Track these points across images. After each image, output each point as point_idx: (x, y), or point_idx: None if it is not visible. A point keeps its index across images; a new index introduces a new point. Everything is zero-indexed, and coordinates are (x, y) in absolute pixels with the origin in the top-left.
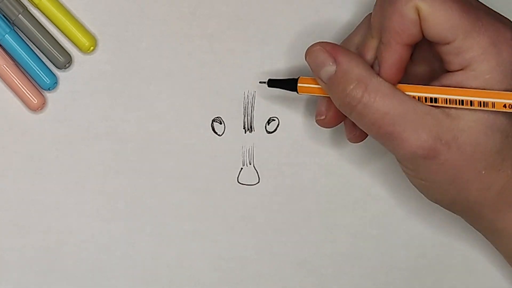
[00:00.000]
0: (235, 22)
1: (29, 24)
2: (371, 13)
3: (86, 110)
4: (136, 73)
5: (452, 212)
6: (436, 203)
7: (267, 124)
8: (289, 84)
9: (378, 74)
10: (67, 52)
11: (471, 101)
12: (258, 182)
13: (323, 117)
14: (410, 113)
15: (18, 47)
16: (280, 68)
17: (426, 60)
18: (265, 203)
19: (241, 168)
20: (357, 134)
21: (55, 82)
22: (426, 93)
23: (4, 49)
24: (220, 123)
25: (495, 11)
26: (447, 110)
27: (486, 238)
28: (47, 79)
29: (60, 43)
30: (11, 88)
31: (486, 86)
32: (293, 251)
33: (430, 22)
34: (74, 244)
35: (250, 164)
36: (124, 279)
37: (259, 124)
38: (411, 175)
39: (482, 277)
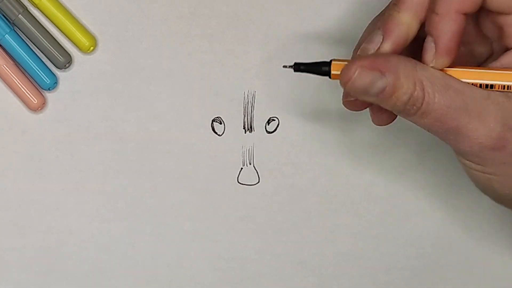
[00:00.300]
0: (235, 22)
1: (29, 24)
2: (377, 16)
3: (86, 110)
4: (136, 73)
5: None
6: (500, 201)
7: (267, 124)
8: (319, 68)
9: (425, 59)
10: (67, 52)
11: None
12: (258, 182)
13: (352, 99)
14: (471, 102)
15: (18, 47)
16: (280, 68)
17: (482, 39)
18: (265, 203)
19: (241, 168)
20: (384, 117)
21: (55, 82)
22: (480, 79)
23: (4, 49)
24: (220, 123)
25: None
26: (508, 94)
27: None
28: (47, 79)
29: (60, 43)
30: (11, 88)
31: None
32: (293, 251)
33: None
34: (74, 244)
35: (250, 164)
36: (124, 279)
37: (259, 124)
38: (477, 171)
39: (482, 277)
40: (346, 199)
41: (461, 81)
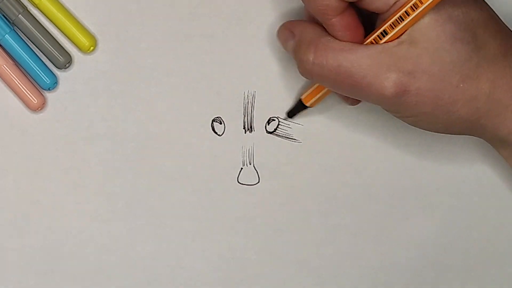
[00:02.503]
0: (235, 22)
1: (29, 24)
2: None
3: (86, 110)
4: (136, 73)
5: (460, 135)
6: (437, 132)
7: (267, 124)
8: (300, 108)
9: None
10: (67, 52)
11: (413, 5)
12: (258, 182)
13: (349, 102)
14: (364, 58)
15: (18, 47)
16: (280, 68)
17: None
18: (265, 203)
19: (241, 168)
20: (351, 101)
21: (55, 82)
22: (374, 34)
23: (4, 49)
24: (220, 123)
25: None
26: (401, 39)
27: (500, 153)
28: (47, 79)
29: (60, 43)
30: (11, 88)
31: None
32: (293, 251)
33: None
34: (74, 244)
35: (250, 164)
36: (124, 279)
37: (259, 124)
38: (397, 116)
39: (482, 277)
40: (346, 199)
41: (360, 44)
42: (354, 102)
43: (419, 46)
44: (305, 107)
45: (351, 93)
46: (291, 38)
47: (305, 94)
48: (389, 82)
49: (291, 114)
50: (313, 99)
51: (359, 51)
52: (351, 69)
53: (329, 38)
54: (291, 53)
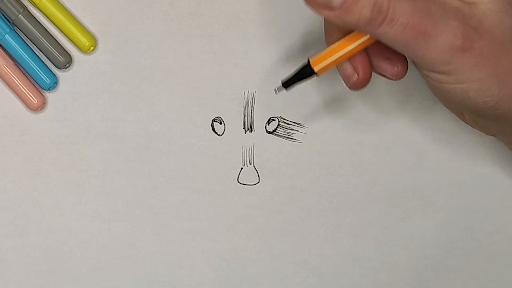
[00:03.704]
0: (235, 22)
1: (29, 24)
2: None
3: (86, 110)
4: (136, 73)
5: (493, 127)
6: (480, 113)
7: (267, 124)
8: (303, 72)
9: None
10: (67, 52)
11: None
12: (258, 182)
13: (355, 77)
14: (434, 6)
15: (18, 47)
16: (280, 68)
17: None
18: (265, 203)
19: (241, 168)
20: (359, 79)
21: (55, 82)
22: None
23: (4, 49)
24: (220, 123)
25: None
26: None
27: None
28: (47, 79)
29: (60, 43)
30: (11, 88)
31: None
32: (293, 251)
33: None
34: (74, 244)
35: (250, 164)
36: (124, 279)
37: (259, 124)
38: (449, 84)
39: (482, 277)
40: (346, 199)
41: None
42: (360, 85)
43: (482, 7)
44: (310, 74)
45: (411, 44)
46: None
47: (315, 56)
48: (458, 33)
49: (291, 82)
50: (324, 63)
51: (433, 2)
52: (424, 15)
53: None
54: (339, 4)
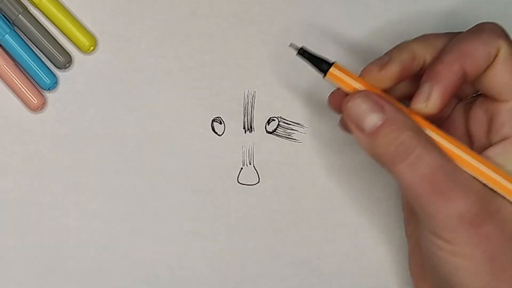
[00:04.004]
0: (235, 22)
1: (29, 24)
2: (398, 44)
3: (86, 110)
4: (136, 73)
5: None
6: None
7: (267, 124)
8: (320, 63)
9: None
10: (67, 52)
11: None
12: (258, 182)
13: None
14: (460, 174)
15: (18, 47)
16: (280, 68)
17: (475, 121)
18: (265, 203)
19: (241, 168)
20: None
21: (55, 82)
22: (469, 165)
23: (4, 49)
24: (220, 123)
25: None
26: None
27: None
28: (47, 79)
29: (60, 43)
30: (11, 88)
31: None
32: (293, 251)
33: (501, 67)
34: (74, 244)
35: (250, 164)
36: (124, 279)
37: (259, 124)
38: (446, 253)
39: None
40: (346, 199)
41: (453, 168)
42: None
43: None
44: (321, 69)
45: (425, 196)
46: (377, 112)
47: (341, 67)
48: (473, 207)
49: (306, 55)
50: (340, 75)
51: (461, 171)
52: (448, 174)
53: (430, 131)
54: (370, 129)
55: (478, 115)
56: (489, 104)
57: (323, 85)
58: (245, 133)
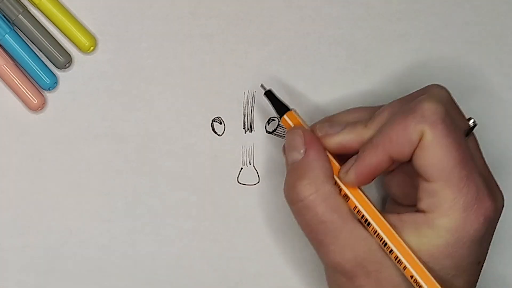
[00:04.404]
0: (235, 22)
1: (29, 24)
2: (375, 107)
3: (86, 110)
4: (136, 73)
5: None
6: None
7: (267, 124)
8: (279, 108)
9: (348, 169)
10: (67, 52)
11: (403, 267)
12: (258, 182)
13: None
14: (345, 232)
15: (18, 47)
16: (280, 68)
17: (402, 184)
18: (265, 203)
19: (241, 168)
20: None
21: (55, 82)
22: (367, 224)
23: (4, 49)
24: (220, 123)
25: (494, 182)
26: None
27: None
28: (47, 79)
29: (60, 43)
30: (11, 88)
31: (439, 242)
32: (293, 251)
33: (424, 152)
34: (74, 244)
35: (250, 164)
36: (124, 279)
37: (259, 124)
38: (329, 284)
39: (482, 277)
40: None
41: (351, 215)
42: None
43: (390, 264)
44: (278, 112)
45: (309, 239)
46: (300, 152)
47: (293, 116)
48: (347, 264)
49: (269, 97)
50: (290, 122)
51: (347, 224)
52: (328, 231)
53: (333, 190)
54: (289, 162)
55: (404, 177)
56: (416, 173)
57: (323, 85)
58: (245, 133)
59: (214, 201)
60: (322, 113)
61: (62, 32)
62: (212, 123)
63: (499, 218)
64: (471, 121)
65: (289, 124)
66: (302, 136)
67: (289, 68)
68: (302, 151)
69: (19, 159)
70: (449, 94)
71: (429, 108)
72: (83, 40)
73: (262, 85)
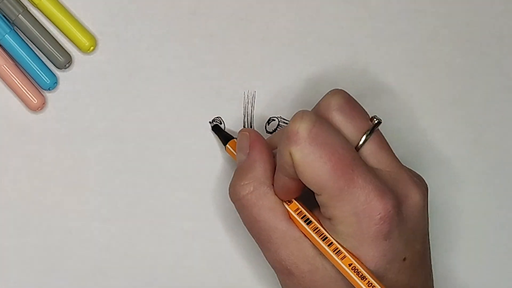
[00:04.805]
0: (235, 22)
1: (29, 24)
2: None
3: (86, 110)
4: (136, 73)
5: None
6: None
7: (267, 124)
8: (225, 138)
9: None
10: (67, 52)
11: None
12: None
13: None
14: (278, 231)
15: (18, 47)
16: (280, 68)
17: None
18: None
19: None
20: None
21: (55, 82)
22: (300, 225)
23: (4, 49)
24: (220, 123)
25: (405, 174)
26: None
27: None
28: (47, 79)
29: (60, 43)
30: (11, 88)
31: (346, 245)
32: None
33: (299, 171)
34: (74, 244)
35: None
36: (124, 279)
37: (259, 124)
38: (277, 278)
39: (482, 277)
40: None
41: (286, 216)
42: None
43: (322, 262)
44: (224, 143)
45: (254, 238)
46: (243, 153)
47: (234, 144)
48: (281, 263)
49: (216, 130)
50: (232, 152)
51: (280, 224)
52: (263, 230)
53: (269, 190)
54: (238, 163)
55: None
56: None
57: (323, 86)
58: None
59: (214, 201)
60: None
61: (62, 32)
62: (212, 123)
63: (422, 207)
64: (374, 120)
65: (232, 152)
66: (248, 138)
67: (289, 68)
68: (247, 152)
69: (19, 159)
70: (342, 99)
71: (292, 130)
72: (83, 40)
73: (210, 122)
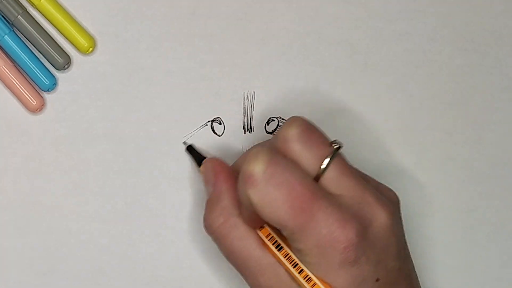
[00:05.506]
0: (235, 22)
1: (28, 25)
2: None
3: (85, 111)
4: (136, 73)
5: None
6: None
7: (266, 124)
8: (198, 159)
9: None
10: (66, 53)
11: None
12: None
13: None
14: (253, 259)
15: (17, 48)
16: (280, 68)
17: None
18: None
19: None
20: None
21: (54, 83)
22: (271, 251)
23: (3, 50)
24: (220, 124)
25: (372, 196)
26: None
27: None
28: (46, 80)
29: (59, 44)
30: (10, 89)
31: (316, 272)
32: None
33: (259, 211)
34: (73, 244)
35: None
36: (124, 279)
37: (258, 124)
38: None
39: (482, 277)
40: None
41: (259, 243)
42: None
43: None
44: (198, 164)
45: (234, 267)
46: (211, 185)
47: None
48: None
49: (190, 151)
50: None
51: (254, 253)
52: (238, 261)
53: (238, 221)
54: (207, 196)
55: None
56: None
57: (323, 86)
58: (244, 133)
59: None
60: (322, 113)
61: (61, 33)
62: (212, 123)
63: (389, 226)
64: (334, 145)
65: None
66: (213, 169)
67: (289, 68)
68: (212, 185)
69: (19, 160)
70: (299, 128)
71: (246, 172)
72: (82, 41)
73: (184, 142)
